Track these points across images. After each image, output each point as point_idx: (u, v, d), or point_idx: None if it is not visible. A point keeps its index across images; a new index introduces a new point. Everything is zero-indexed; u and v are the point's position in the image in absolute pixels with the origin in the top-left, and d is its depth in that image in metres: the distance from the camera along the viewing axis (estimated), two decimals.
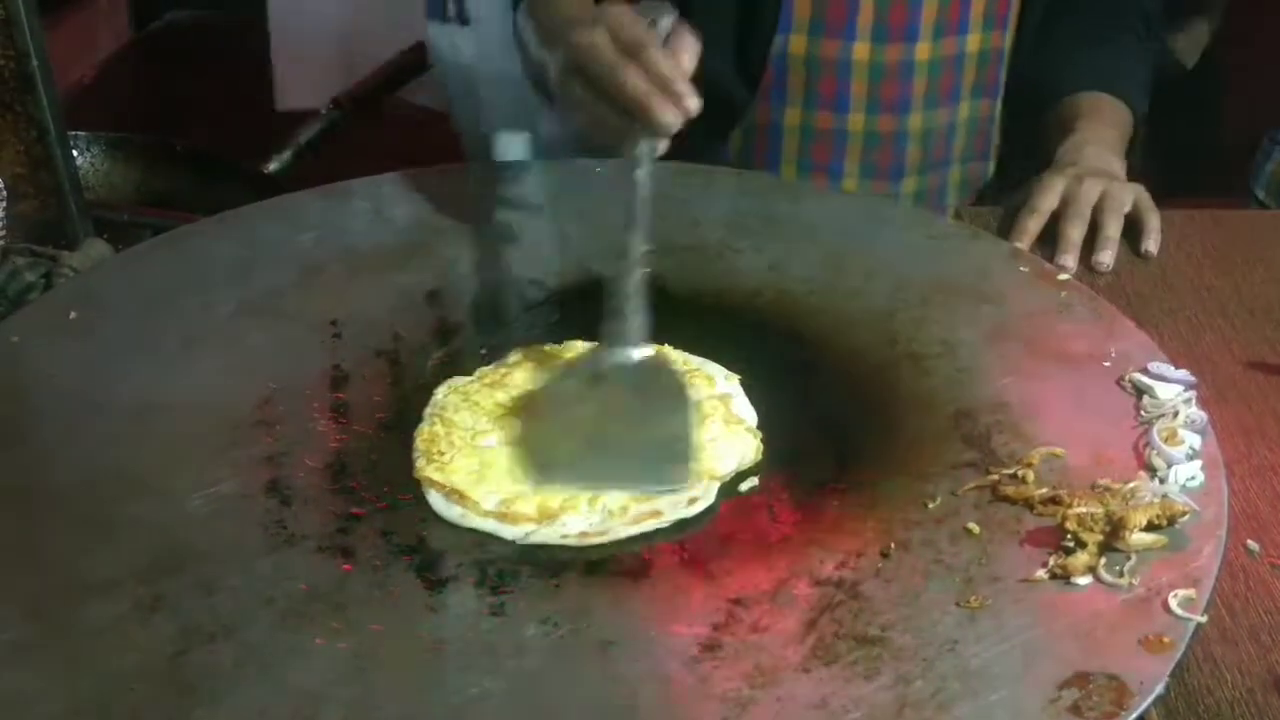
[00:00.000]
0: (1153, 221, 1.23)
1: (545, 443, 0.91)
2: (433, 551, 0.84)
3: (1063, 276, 1.08)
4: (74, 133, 1.61)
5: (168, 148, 1.60)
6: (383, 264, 1.13)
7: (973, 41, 1.40)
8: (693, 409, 0.92)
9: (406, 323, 1.06)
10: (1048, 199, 1.22)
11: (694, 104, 0.94)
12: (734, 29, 1.35)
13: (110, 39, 2.58)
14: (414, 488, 0.89)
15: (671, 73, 0.94)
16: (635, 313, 0.94)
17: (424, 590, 0.80)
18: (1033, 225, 1.21)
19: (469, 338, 1.05)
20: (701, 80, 0.96)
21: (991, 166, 1.50)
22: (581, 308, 1.06)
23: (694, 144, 1.36)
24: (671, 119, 0.94)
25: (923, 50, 1.38)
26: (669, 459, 0.89)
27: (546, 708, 0.73)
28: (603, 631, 0.78)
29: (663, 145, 0.97)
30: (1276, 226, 1.34)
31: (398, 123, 1.90)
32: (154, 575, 0.80)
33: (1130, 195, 1.24)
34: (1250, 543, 0.89)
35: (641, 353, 0.94)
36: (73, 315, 1.03)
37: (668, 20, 0.99)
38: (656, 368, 0.96)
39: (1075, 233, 1.20)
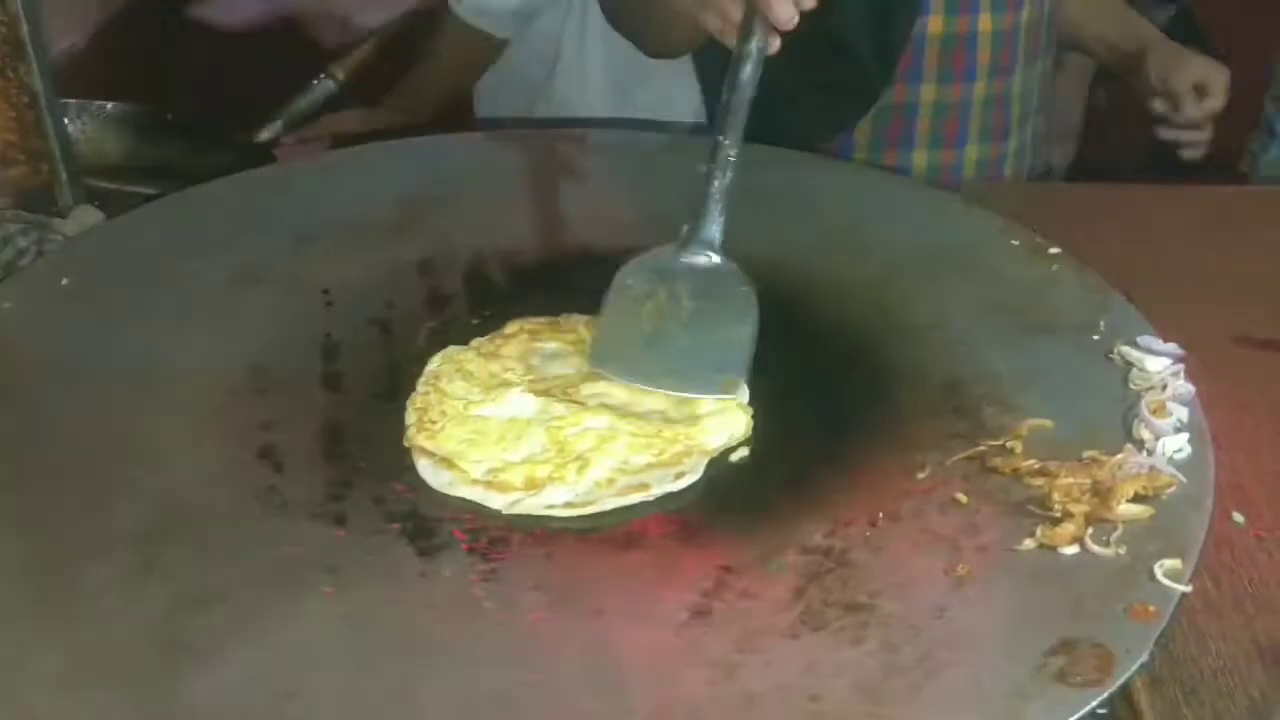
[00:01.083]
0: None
1: (608, 332, 0.93)
2: (425, 519, 0.84)
3: (1053, 250, 1.08)
4: (65, 100, 1.60)
5: (158, 116, 1.59)
6: (375, 234, 1.13)
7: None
8: (755, 321, 0.93)
9: (399, 292, 1.06)
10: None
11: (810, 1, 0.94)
12: (873, 12, 1.35)
13: (102, 5, 2.56)
14: (407, 456, 0.90)
15: None
16: (716, 216, 0.96)
17: (417, 557, 0.81)
18: None
19: (462, 308, 1.06)
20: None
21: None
22: (576, 281, 1.07)
23: (825, 127, 1.38)
24: (786, 14, 0.93)
25: (1025, 14, 1.42)
26: (723, 368, 0.91)
27: (538, 671, 0.73)
28: (594, 598, 0.78)
29: (774, 43, 0.96)
30: (1266, 203, 1.34)
31: None
32: (147, 540, 0.81)
33: None
34: (1236, 515, 0.90)
35: (715, 257, 0.96)
36: (65, 281, 1.03)
37: None
38: (727, 274, 0.96)
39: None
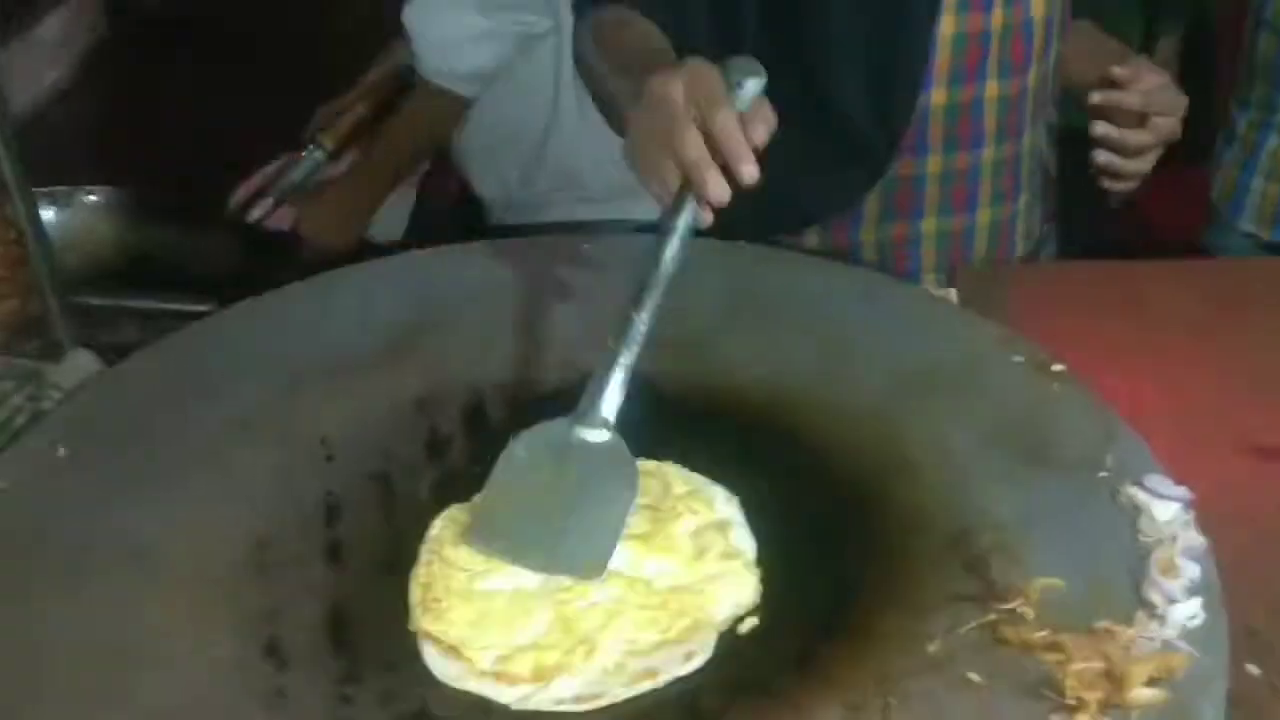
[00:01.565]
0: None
1: (491, 506, 0.94)
2: (435, 719, 0.84)
3: (1057, 367, 1.07)
4: (45, 190, 1.59)
5: (147, 201, 1.58)
6: (369, 367, 1.12)
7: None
8: (632, 503, 0.94)
9: (398, 437, 1.06)
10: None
11: (751, 174, 0.91)
12: (873, 85, 1.31)
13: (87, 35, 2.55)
14: (413, 640, 0.89)
15: (736, 144, 0.91)
16: (616, 391, 0.95)
17: None
18: None
19: (462, 453, 1.05)
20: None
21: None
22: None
23: (833, 200, 1.36)
24: (718, 194, 0.92)
25: (1031, 77, 1.37)
26: (589, 553, 0.91)
27: None
28: None
29: (706, 218, 0.94)
30: (1264, 277, 1.32)
31: None
32: None
33: None
34: (1250, 666, 0.90)
35: (606, 434, 0.95)
36: (61, 452, 1.02)
37: (754, 84, 0.96)
38: (616, 451, 0.95)
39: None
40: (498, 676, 0.86)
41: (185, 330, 1.15)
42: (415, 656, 0.88)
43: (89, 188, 1.58)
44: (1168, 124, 1.24)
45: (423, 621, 0.90)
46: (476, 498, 0.97)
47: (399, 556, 0.95)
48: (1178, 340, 1.21)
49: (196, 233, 1.58)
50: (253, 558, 0.95)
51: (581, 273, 1.21)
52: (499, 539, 0.93)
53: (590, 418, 0.95)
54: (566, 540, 0.92)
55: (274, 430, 1.06)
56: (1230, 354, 1.19)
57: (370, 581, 0.94)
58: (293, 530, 0.97)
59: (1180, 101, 1.25)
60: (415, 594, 0.92)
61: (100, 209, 1.57)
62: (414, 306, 1.18)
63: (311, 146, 1.65)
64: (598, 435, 0.95)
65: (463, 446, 1.05)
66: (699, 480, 1.00)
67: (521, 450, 0.96)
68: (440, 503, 0.99)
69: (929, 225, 1.40)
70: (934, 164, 1.36)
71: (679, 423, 1.06)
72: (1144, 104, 1.22)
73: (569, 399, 1.07)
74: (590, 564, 0.91)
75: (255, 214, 1.59)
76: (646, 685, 0.85)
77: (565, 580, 0.92)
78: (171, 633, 0.89)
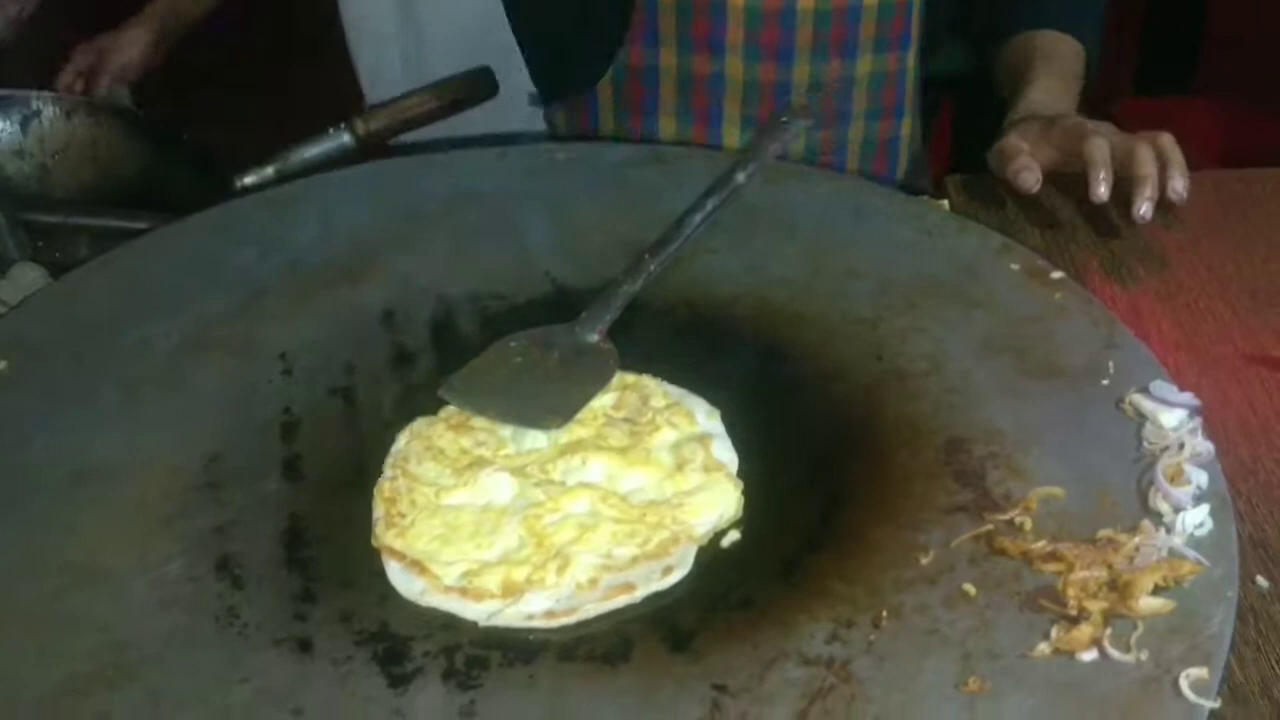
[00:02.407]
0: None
1: (470, 374, 0.95)
2: (396, 638, 0.78)
3: (1055, 275, 1.02)
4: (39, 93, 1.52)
5: (130, 117, 1.51)
6: (332, 281, 1.06)
7: None
8: (606, 381, 0.95)
9: (361, 352, 1.00)
10: (1101, 152, 1.15)
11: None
12: None
13: None
14: (374, 557, 0.84)
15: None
16: (614, 310, 1.00)
17: (388, 689, 0.75)
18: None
19: (430, 367, 0.99)
20: None
21: (907, 124, 1.43)
22: (545, 322, 1.01)
23: (568, 85, 1.31)
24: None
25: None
26: (553, 410, 0.92)
27: None
28: None
29: None
30: (1268, 183, 1.27)
31: None
32: (98, 687, 0.75)
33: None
34: (1259, 579, 0.85)
35: (595, 338, 0.98)
36: (2, 365, 0.96)
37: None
38: (604, 351, 0.98)
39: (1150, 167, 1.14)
40: (464, 592, 0.81)
41: (137, 242, 1.09)
42: (376, 574, 0.83)
43: (38, 93, 1.51)
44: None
45: (385, 537, 0.84)
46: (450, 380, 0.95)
47: (360, 472, 0.90)
48: (1179, 250, 1.15)
49: (154, 149, 1.51)
50: (204, 474, 0.90)
51: (556, 182, 1.16)
52: (470, 396, 0.94)
53: (585, 326, 0.99)
54: (535, 401, 0.93)
55: (230, 346, 1.00)
56: (1232, 264, 1.13)
57: (329, 497, 0.88)
58: (247, 447, 0.92)
59: (1146, 145, 1.16)
60: (378, 509, 0.87)
61: (73, 118, 1.50)
62: (379, 218, 1.12)
63: (342, 125, 1.48)
64: (590, 338, 0.98)
65: (430, 361, 1.00)
66: (679, 393, 0.95)
67: (512, 341, 0.98)
68: (405, 417, 0.94)
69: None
70: (667, 58, 1.36)
71: (659, 336, 1.01)
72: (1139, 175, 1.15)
73: (544, 311, 1.03)
74: (552, 417, 0.91)
75: (248, 179, 1.45)
76: (622, 600, 0.80)
77: (537, 494, 0.87)
78: (116, 551, 0.84)
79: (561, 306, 1.03)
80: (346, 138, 1.42)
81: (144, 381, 0.96)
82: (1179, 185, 1.14)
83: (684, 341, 1.01)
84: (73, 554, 0.83)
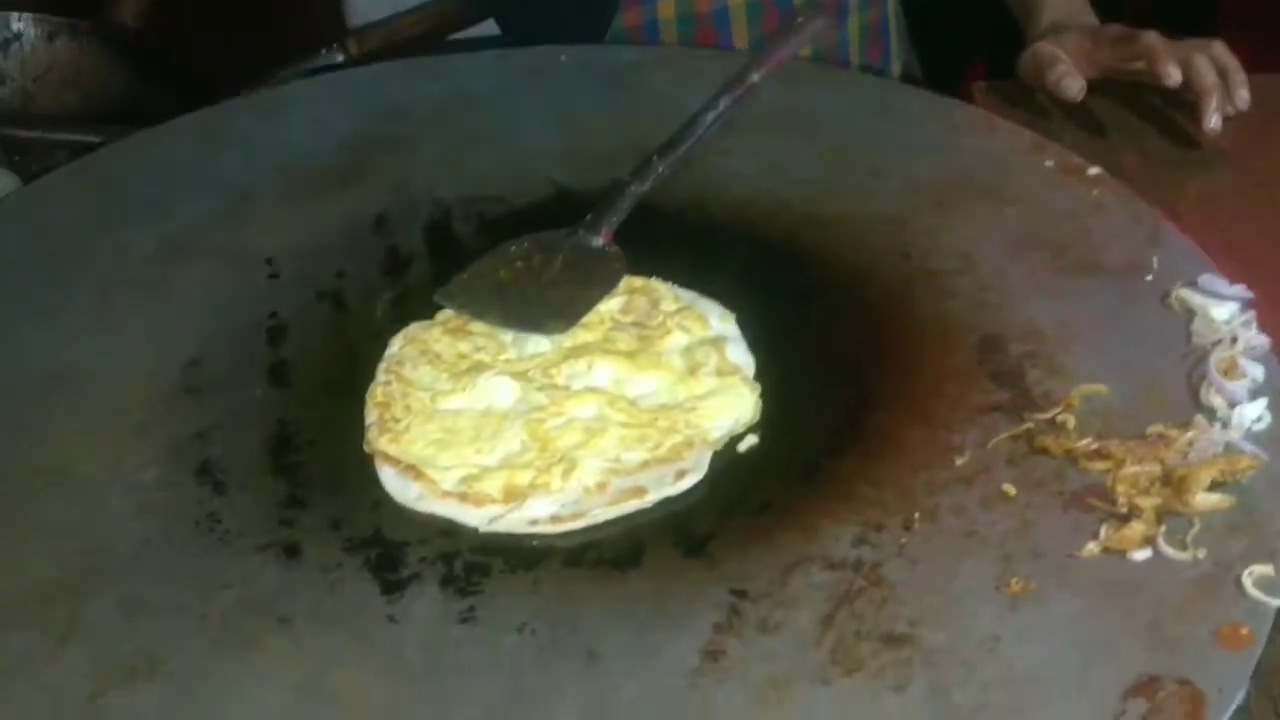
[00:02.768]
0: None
1: (467, 276, 0.90)
2: (390, 544, 0.73)
3: (1093, 171, 0.95)
4: (20, 14, 1.46)
5: (115, 41, 1.44)
6: (322, 185, 1.00)
7: None
8: (614, 284, 0.89)
9: (352, 257, 0.94)
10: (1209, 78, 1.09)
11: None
12: None
13: None
14: (367, 463, 0.78)
15: None
16: (620, 212, 0.94)
17: (382, 596, 0.70)
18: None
19: (425, 272, 0.93)
20: None
21: (892, 3, 1.36)
22: (547, 226, 0.95)
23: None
24: None
25: None
26: (557, 314, 0.87)
27: None
28: (588, 638, 0.67)
29: None
30: None
31: None
32: (66, 592, 0.70)
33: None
34: None
35: (600, 241, 0.92)
36: None
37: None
38: (609, 254, 0.92)
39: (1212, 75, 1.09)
40: (463, 497, 0.75)
41: (113, 147, 1.03)
42: (368, 480, 0.77)
43: (19, 15, 1.45)
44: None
45: (379, 442, 0.78)
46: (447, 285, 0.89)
47: (350, 377, 0.84)
48: (1222, 156, 1.09)
49: (139, 73, 1.44)
50: (184, 380, 0.84)
51: (559, 85, 1.09)
52: (468, 300, 0.88)
53: (590, 230, 0.93)
54: (538, 306, 0.88)
55: (213, 251, 0.94)
56: (1276, 170, 1.07)
57: (317, 402, 0.82)
58: (231, 352, 0.86)
59: (1204, 55, 1.11)
60: (371, 414, 0.81)
61: (60, 39, 1.44)
62: (373, 122, 1.06)
63: (335, 45, 1.43)
64: (594, 242, 0.92)
65: (425, 265, 0.93)
66: (690, 296, 0.89)
67: (513, 245, 0.92)
68: (399, 321, 0.88)
69: None
70: (665, 9, 1.28)
71: (671, 237, 0.95)
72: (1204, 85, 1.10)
73: (545, 215, 0.97)
74: (556, 321, 0.86)
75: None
76: (633, 505, 0.74)
77: (540, 398, 0.81)
78: (89, 456, 0.78)
79: (564, 210, 0.96)
80: (340, 58, 1.36)
81: (121, 286, 0.90)
82: (1244, 94, 1.09)
83: (696, 243, 0.94)
84: (42, 459, 0.78)
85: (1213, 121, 1.08)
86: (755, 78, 1.03)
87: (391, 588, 0.70)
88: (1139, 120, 1.14)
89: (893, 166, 0.99)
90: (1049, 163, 0.97)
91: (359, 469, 0.78)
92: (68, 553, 0.72)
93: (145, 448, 0.79)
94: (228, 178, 1.00)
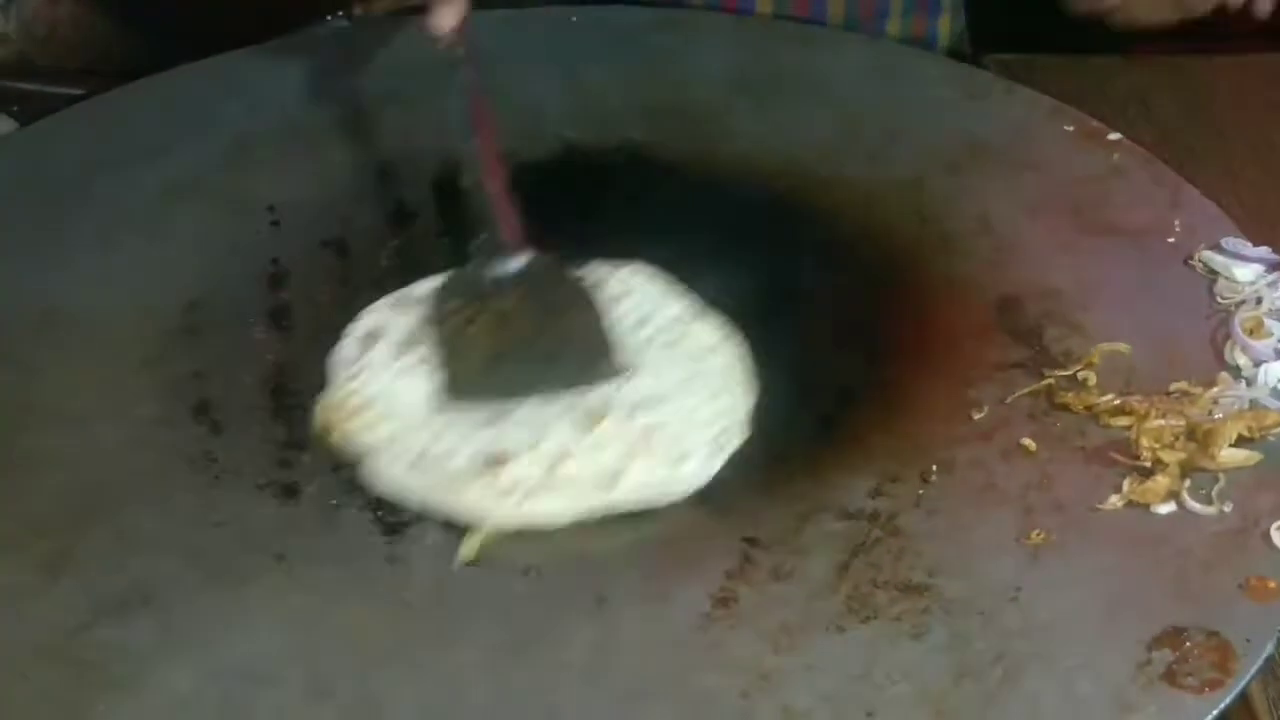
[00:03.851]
0: None
1: (450, 363, 0.77)
2: None
3: (1113, 136, 0.94)
4: None
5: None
6: (329, 136, 0.97)
7: None
8: (595, 301, 0.80)
9: (357, 207, 0.92)
10: None
11: None
12: None
13: None
14: None
15: None
16: (508, 214, 0.81)
17: (382, 536, 0.68)
18: None
19: (430, 223, 0.91)
20: None
21: None
22: (558, 184, 0.93)
23: None
24: None
25: None
26: (594, 353, 0.77)
27: (530, 682, 0.61)
28: (596, 583, 0.65)
29: None
30: None
31: None
32: (59, 526, 0.68)
33: None
34: None
35: (523, 256, 0.81)
36: None
37: None
38: (544, 266, 0.82)
39: None
40: None
41: (115, 92, 1.01)
42: None
43: None
44: None
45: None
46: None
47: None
48: (1239, 128, 1.07)
49: (146, 38, 1.42)
50: (182, 320, 0.82)
51: (569, 44, 1.07)
52: (487, 390, 0.75)
53: (499, 249, 0.81)
54: (561, 355, 0.77)
55: (215, 196, 0.92)
56: None
57: (319, 346, 0.80)
58: (232, 295, 0.84)
59: None
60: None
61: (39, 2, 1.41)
62: (380, 76, 1.03)
63: (340, 13, 1.38)
64: (517, 261, 0.81)
65: (431, 217, 0.91)
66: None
67: (446, 303, 0.81)
68: (404, 270, 0.86)
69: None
70: None
71: (679, 196, 0.93)
72: None
73: (553, 170, 0.95)
74: (605, 363, 0.76)
75: None
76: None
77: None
78: (83, 393, 0.76)
79: (572, 166, 0.95)
80: (345, 24, 1.34)
81: (121, 227, 0.88)
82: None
83: (703, 201, 0.92)
84: (37, 395, 0.76)
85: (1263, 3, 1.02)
86: None
87: (393, 529, 0.68)
88: (1156, 96, 1.12)
89: (908, 130, 0.97)
90: (1068, 127, 0.95)
91: None
92: (61, 487, 0.70)
93: (142, 386, 0.77)
94: (232, 125, 0.98)
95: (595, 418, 0.73)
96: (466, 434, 0.73)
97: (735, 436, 0.73)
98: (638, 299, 0.83)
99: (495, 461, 0.71)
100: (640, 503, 0.69)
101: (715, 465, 0.71)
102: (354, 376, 0.77)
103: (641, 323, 0.81)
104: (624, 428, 0.73)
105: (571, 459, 0.71)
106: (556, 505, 0.69)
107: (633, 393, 0.75)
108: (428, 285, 0.83)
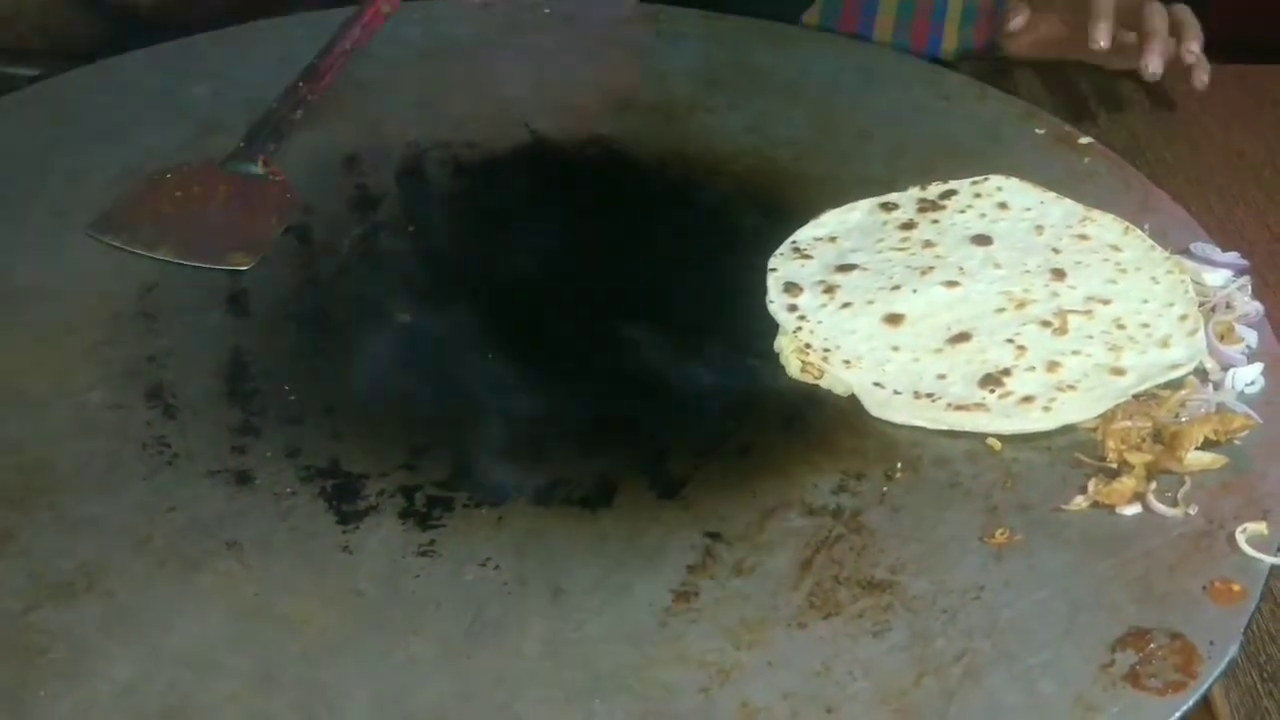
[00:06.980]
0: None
1: (126, 209, 0.87)
2: (348, 475, 0.69)
3: (1084, 140, 0.93)
4: None
5: None
6: (290, 120, 0.96)
7: None
8: (288, 220, 0.87)
9: (321, 194, 0.90)
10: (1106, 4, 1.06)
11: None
12: None
13: None
14: (326, 394, 0.74)
15: None
16: (274, 136, 0.93)
17: (337, 525, 0.66)
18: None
19: (394, 211, 0.89)
20: None
21: None
22: (526, 177, 0.92)
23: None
24: None
25: None
26: (239, 247, 0.84)
27: (484, 675, 0.59)
28: (554, 575, 0.64)
29: None
30: None
31: None
32: (3, 506, 0.66)
33: None
34: None
35: (261, 169, 0.91)
36: None
37: None
38: (270, 182, 0.90)
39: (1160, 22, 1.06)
40: None
41: (74, 72, 0.99)
42: (325, 411, 0.73)
43: None
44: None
45: None
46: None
47: (314, 310, 0.81)
48: (1209, 138, 1.07)
49: (110, 25, 1.40)
50: (139, 303, 0.80)
51: (540, 36, 1.06)
52: (134, 235, 0.84)
53: (247, 156, 0.91)
54: (217, 238, 0.85)
55: None
56: (1265, 150, 1.06)
57: (278, 333, 0.79)
58: (189, 279, 0.82)
59: (1157, 3, 1.09)
60: None
61: None
62: (349, 62, 1.02)
63: None
64: (253, 167, 0.91)
65: (395, 205, 0.90)
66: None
67: (168, 174, 0.90)
68: (367, 257, 0.85)
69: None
70: None
71: (652, 192, 0.92)
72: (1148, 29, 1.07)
73: (519, 160, 0.94)
74: (239, 255, 0.83)
75: None
76: None
77: None
78: (32, 373, 0.74)
79: (540, 158, 0.94)
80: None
81: (78, 208, 0.86)
82: (1195, 47, 1.05)
83: (673, 196, 0.91)
84: None
85: (1151, 65, 1.05)
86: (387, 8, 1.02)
87: (347, 518, 0.67)
88: (1127, 102, 1.12)
89: (881, 130, 0.97)
90: (1040, 130, 0.95)
91: (318, 400, 0.74)
92: (4, 467, 0.68)
93: (94, 368, 0.75)
94: (194, 109, 0.96)
95: (1060, 318, 0.76)
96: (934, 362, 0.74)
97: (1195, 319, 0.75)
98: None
99: (991, 381, 0.72)
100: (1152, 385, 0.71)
101: (1199, 342, 0.74)
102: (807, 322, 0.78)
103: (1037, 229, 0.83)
104: (1091, 324, 0.75)
105: (1060, 363, 0.73)
106: (1084, 405, 0.70)
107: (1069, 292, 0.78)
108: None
